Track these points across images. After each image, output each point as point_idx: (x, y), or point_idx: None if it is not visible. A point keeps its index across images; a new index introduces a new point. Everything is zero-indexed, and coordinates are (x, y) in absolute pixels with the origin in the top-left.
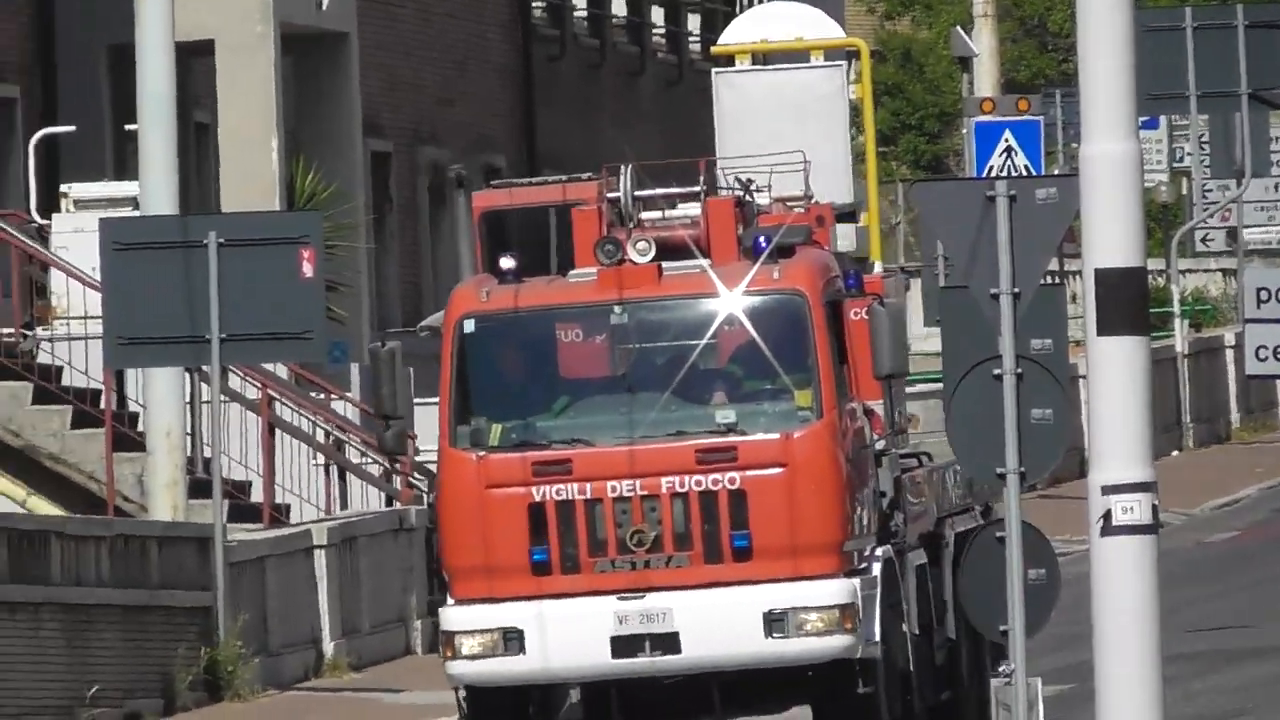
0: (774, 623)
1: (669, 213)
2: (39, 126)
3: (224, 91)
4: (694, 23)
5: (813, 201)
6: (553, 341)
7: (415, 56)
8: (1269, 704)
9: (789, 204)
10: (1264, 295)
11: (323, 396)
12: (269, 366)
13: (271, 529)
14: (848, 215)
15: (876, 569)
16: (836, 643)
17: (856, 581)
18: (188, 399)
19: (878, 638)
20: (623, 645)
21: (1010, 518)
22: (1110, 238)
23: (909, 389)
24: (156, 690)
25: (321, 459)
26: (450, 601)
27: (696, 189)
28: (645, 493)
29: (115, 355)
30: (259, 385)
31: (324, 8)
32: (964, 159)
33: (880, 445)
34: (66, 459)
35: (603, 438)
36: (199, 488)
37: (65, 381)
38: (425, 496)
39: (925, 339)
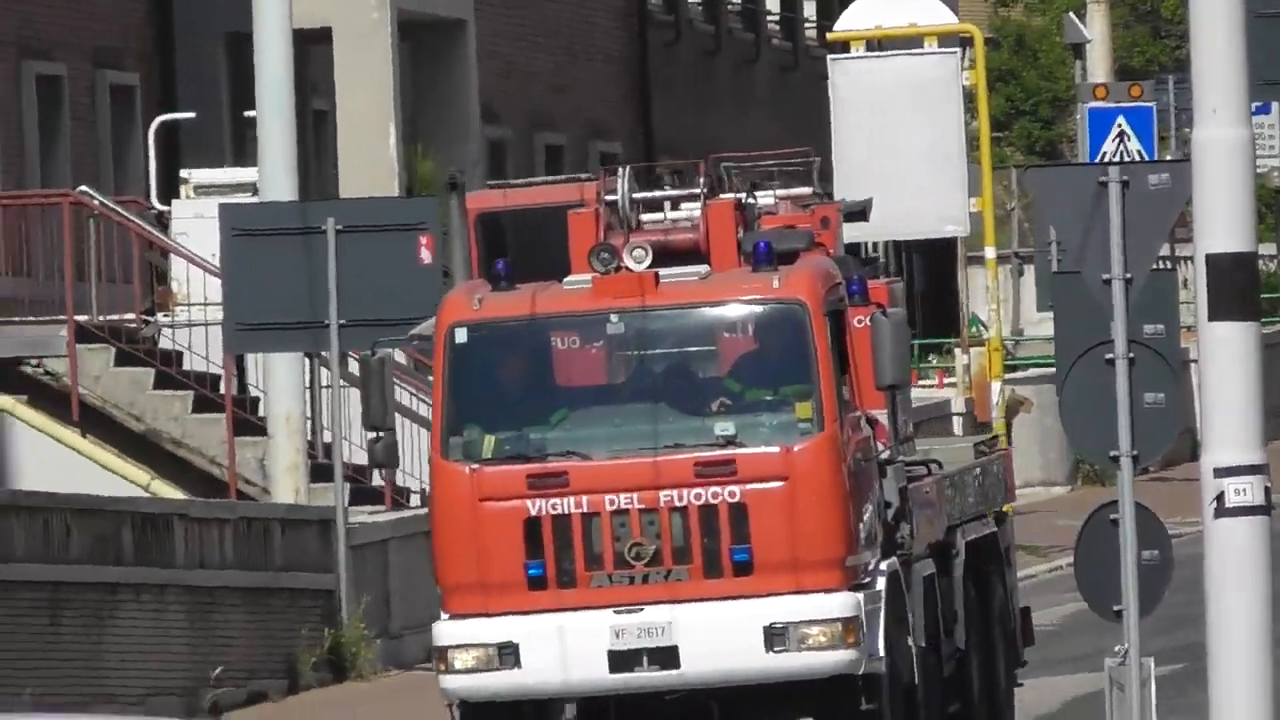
0: (775, 637)
1: (671, 214)
2: (158, 113)
3: (342, 78)
4: (809, 9)
5: (820, 202)
6: (547, 350)
7: (530, 43)
8: None
9: (800, 203)
10: None
11: None
12: None
13: (392, 511)
14: (857, 214)
15: (881, 582)
16: (839, 657)
17: (860, 595)
18: (307, 384)
19: (881, 652)
20: (620, 660)
21: (1124, 500)
22: (1222, 223)
23: (1022, 373)
24: (281, 670)
25: None
26: (444, 616)
27: (695, 191)
28: (643, 506)
29: (235, 341)
30: None
31: None
32: (1077, 145)
33: (885, 455)
34: (188, 443)
35: (599, 450)
36: (320, 472)
37: (186, 366)
38: None
39: (1038, 323)
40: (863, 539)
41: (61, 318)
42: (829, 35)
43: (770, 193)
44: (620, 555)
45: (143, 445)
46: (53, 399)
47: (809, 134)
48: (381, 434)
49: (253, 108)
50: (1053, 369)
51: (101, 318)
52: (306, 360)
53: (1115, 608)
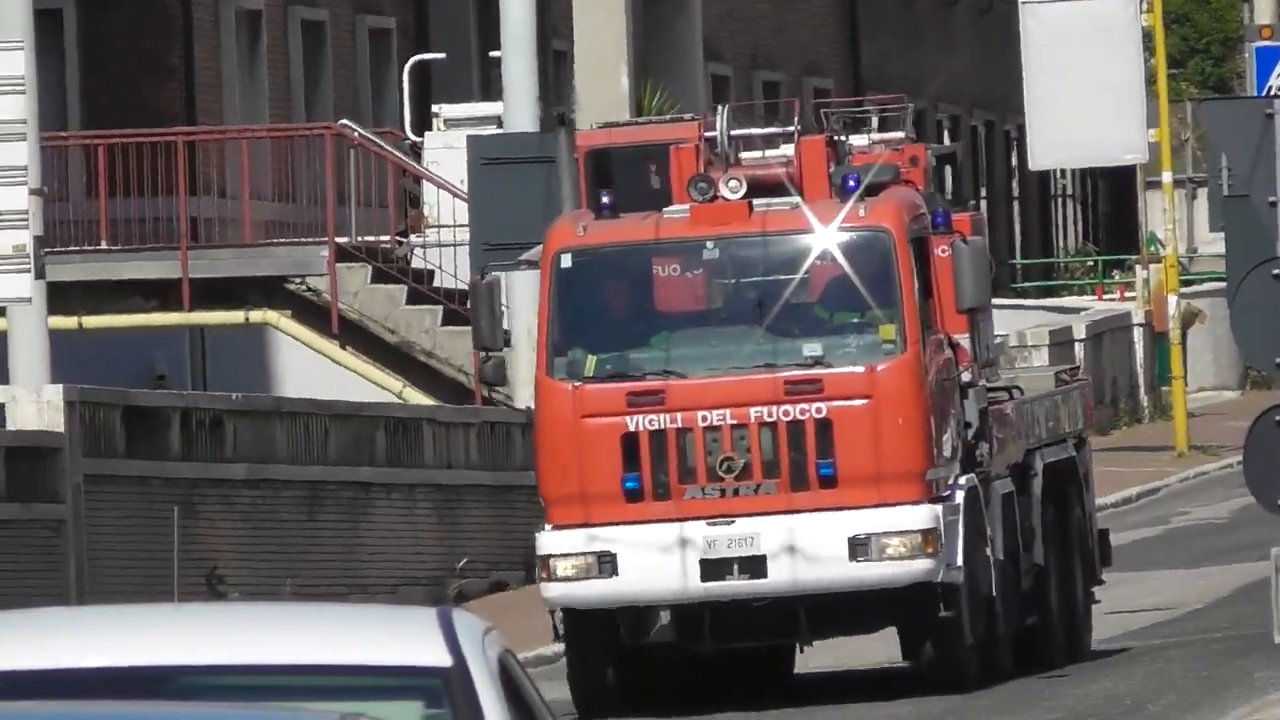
0: (858, 547)
1: (768, 153)
2: (412, 54)
3: (579, 22)
4: None
5: (910, 143)
6: (646, 276)
7: None
8: None
9: (892, 146)
10: None
11: None
12: None
13: None
14: (948, 157)
15: (959, 496)
16: (918, 567)
17: (939, 508)
18: None
19: (960, 563)
20: (711, 569)
21: None
22: None
23: (1196, 287)
24: (519, 563)
25: None
26: (546, 527)
27: (790, 129)
28: (735, 422)
29: (480, 260)
30: None
31: None
32: (1246, 80)
33: (966, 377)
34: (437, 354)
35: (694, 369)
36: None
37: (436, 284)
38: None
39: (1210, 243)
40: (943, 455)
41: (323, 239)
42: None
43: (865, 135)
44: (712, 469)
45: (396, 356)
46: (314, 314)
47: (1002, 71)
48: (492, 354)
49: (498, 49)
50: (1224, 284)
51: (359, 239)
52: None
53: (1279, 502)
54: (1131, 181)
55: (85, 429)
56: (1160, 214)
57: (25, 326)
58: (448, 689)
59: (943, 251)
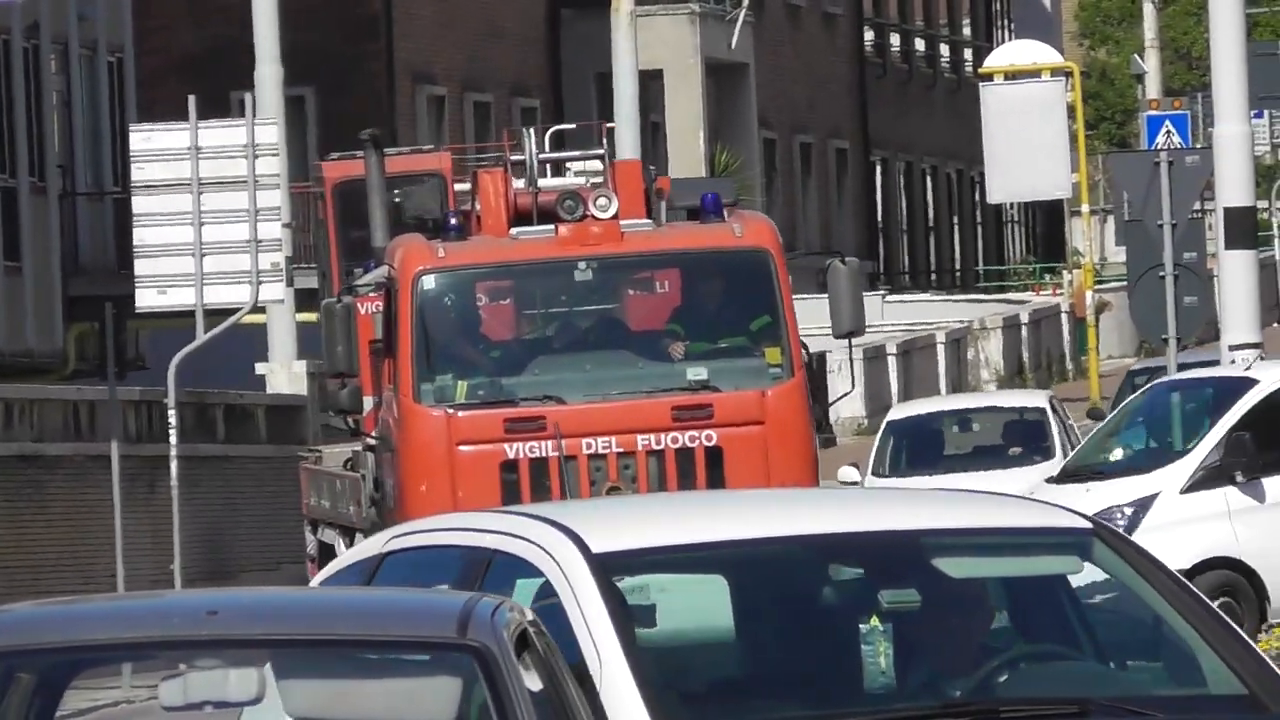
0: None
1: (564, 180)
2: (552, 124)
3: (669, 100)
4: (968, 54)
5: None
6: (513, 297)
7: (791, 75)
8: None
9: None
10: None
11: None
12: None
13: None
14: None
15: None
16: None
17: None
18: None
19: None
20: None
21: (1170, 364)
22: (1233, 186)
23: (1106, 285)
24: None
25: None
26: None
27: (599, 151)
28: (621, 450)
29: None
30: None
31: (733, 46)
32: (1140, 139)
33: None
34: None
35: (573, 395)
36: None
37: None
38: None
39: (1116, 254)
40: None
41: None
42: (980, 70)
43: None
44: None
45: None
46: None
47: (968, 134)
48: (348, 380)
49: (613, 120)
50: (1125, 283)
51: None
52: None
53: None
54: (1060, 211)
55: (321, 392)
56: (1081, 234)
57: (279, 320)
58: (1090, 544)
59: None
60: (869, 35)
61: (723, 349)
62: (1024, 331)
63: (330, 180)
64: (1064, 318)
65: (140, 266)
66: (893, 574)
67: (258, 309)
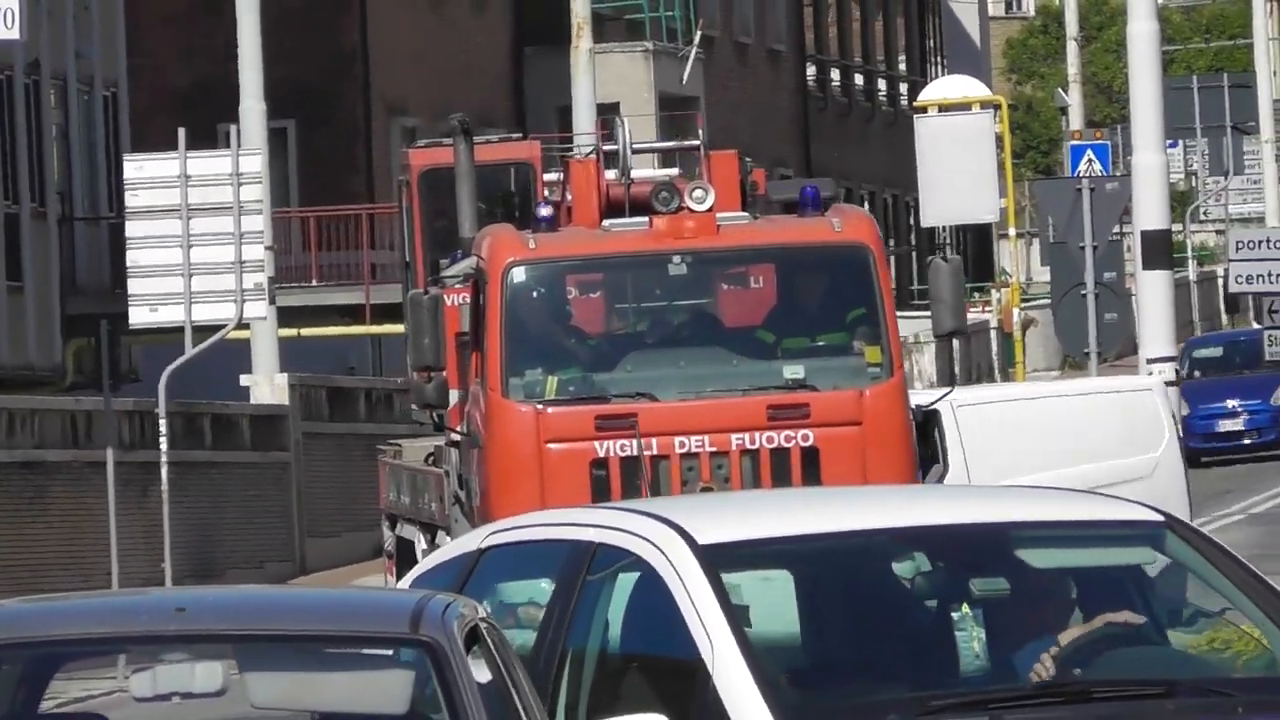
0: None
1: (657, 171)
2: None
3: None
4: (904, 88)
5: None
6: (605, 291)
7: (739, 108)
8: None
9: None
10: (1239, 245)
11: None
12: None
13: None
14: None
15: None
16: None
17: None
18: None
19: None
20: None
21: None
22: (1150, 211)
23: (1032, 303)
24: None
25: None
26: None
27: (696, 142)
28: (714, 449)
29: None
30: None
31: (684, 81)
32: (1064, 167)
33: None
34: None
35: (665, 392)
36: None
37: None
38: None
39: (1041, 274)
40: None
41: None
42: (915, 103)
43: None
44: None
45: None
46: None
47: (904, 162)
48: (434, 374)
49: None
50: (1050, 300)
51: None
52: None
53: None
54: (989, 234)
55: (302, 402)
56: (1008, 255)
57: (262, 336)
58: (1162, 536)
59: None
60: (811, 71)
61: (820, 347)
62: (955, 344)
63: (416, 168)
64: (993, 333)
65: (133, 286)
66: (982, 564)
67: (242, 325)
